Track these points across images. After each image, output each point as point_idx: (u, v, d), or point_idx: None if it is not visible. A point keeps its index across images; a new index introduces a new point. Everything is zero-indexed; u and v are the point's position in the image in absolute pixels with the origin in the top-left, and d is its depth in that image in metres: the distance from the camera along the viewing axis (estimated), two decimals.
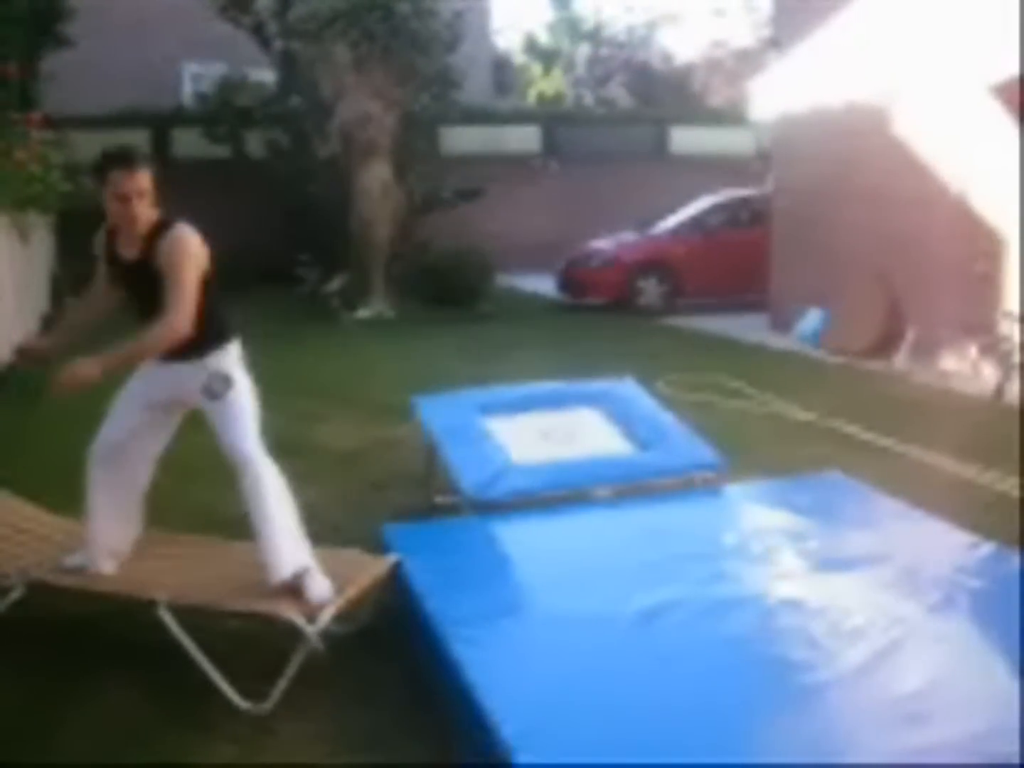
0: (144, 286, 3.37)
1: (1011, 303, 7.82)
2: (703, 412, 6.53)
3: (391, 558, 3.63)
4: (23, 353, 3.70)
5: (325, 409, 7.17)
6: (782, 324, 10.79)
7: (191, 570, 3.59)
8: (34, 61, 11.64)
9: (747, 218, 13.26)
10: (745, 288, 12.14)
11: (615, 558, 3.78)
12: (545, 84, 28.91)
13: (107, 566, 3.57)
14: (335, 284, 12.91)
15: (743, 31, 29.98)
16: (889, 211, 9.15)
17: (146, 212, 3.33)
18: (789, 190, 10.94)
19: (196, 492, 4.89)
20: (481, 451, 4.66)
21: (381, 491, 5.25)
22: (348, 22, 13.57)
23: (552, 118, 19.95)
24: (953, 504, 4.53)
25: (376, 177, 12.67)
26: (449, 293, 12.80)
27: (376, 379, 8.38)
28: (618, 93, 27.37)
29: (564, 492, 4.48)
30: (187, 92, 18.84)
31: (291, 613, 3.13)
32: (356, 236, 12.76)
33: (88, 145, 6.36)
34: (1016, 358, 7.52)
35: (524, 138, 18.90)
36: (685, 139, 19.33)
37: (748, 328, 10.98)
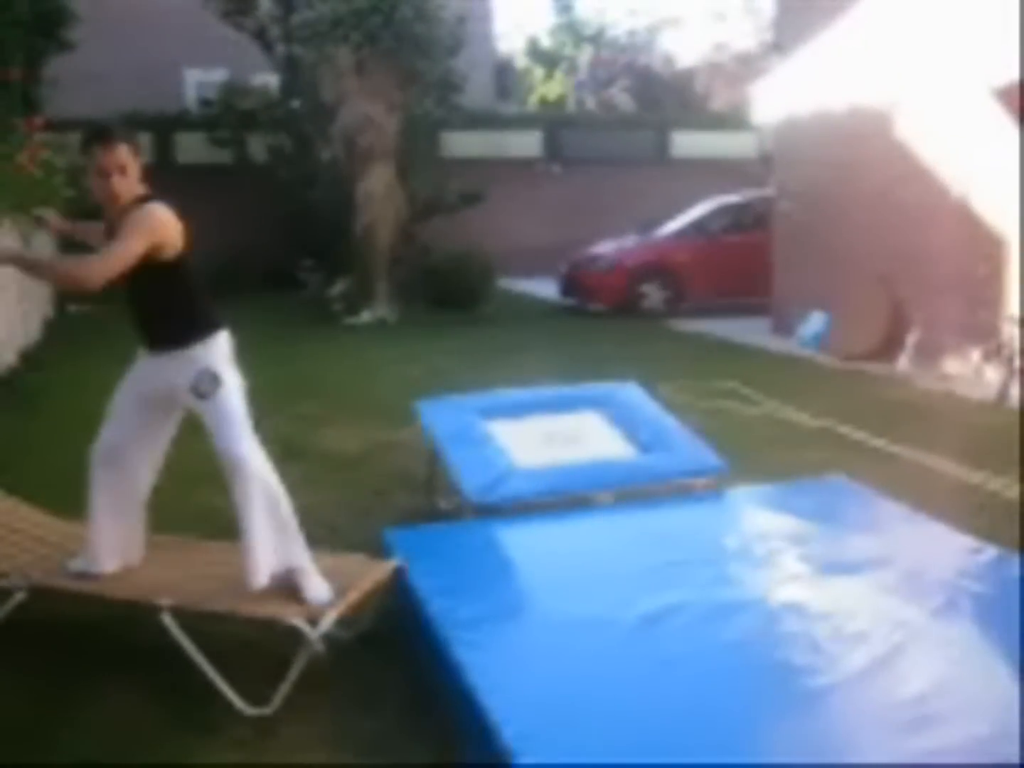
0: (132, 273, 3.23)
1: (1014, 307, 7.82)
2: (705, 416, 6.53)
3: (393, 562, 3.63)
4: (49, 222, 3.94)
5: (327, 413, 7.17)
6: (784, 328, 10.79)
7: (194, 575, 3.59)
8: (36, 65, 11.66)
9: (749, 222, 13.26)
10: (747, 292, 12.14)
11: (617, 562, 3.78)
12: (547, 88, 28.97)
13: (109, 565, 3.57)
14: (337, 288, 12.94)
15: (745, 35, 30.08)
16: (891, 215, 9.15)
17: (128, 188, 3.25)
18: (791, 194, 10.95)
19: (198, 497, 4.89)
20: (483, 455, 4.65)
21: (383, 495, 5.25)
22: (350, 26, 13.62)
23: (554, 122, 19.99)
24: (956, 508, 4.54)
25: (378, 181, 12.69)
26: (451, 297, 12.82)
27: (378, 383, 8.39)
28: (620, 97, 27.41)
29: (566, 496, 4.48)
30: (190, 96, 18.87)
31: (294, 617, 3.14)
32: (358, 240, 12.79)
33: None
34: (1018, 362, 7.52)
35: (526, 142, 18.92)
36: (687, 143, 19.35)
37: (750, 332, 10.98)
